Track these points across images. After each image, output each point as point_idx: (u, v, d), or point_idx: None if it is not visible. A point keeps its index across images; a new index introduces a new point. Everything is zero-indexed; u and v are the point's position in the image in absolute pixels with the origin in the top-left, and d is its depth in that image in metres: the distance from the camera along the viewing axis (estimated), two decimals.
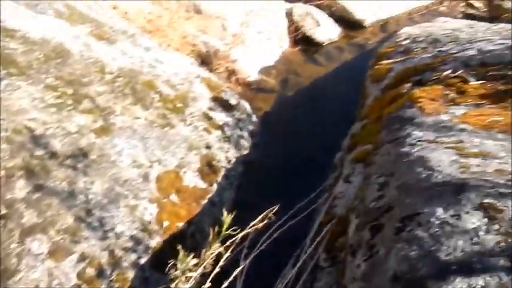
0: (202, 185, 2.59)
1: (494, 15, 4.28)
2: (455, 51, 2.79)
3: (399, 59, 3.15)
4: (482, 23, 3.71)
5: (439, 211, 1.22)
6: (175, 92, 2.91)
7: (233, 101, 3.29)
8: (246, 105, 3.41)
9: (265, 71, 3.88)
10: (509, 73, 2.28)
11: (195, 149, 2.69)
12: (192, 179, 2.56)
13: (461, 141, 1.73)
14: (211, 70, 3.56)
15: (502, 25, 3.57)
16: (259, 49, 3.94)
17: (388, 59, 3.31)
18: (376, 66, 3.26)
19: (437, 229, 1.18)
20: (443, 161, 1.50)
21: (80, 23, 2.82)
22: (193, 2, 3.87)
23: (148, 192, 2.29)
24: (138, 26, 3.43)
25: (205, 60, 3.62)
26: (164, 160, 2.48)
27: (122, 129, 2.42)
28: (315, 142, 3.22)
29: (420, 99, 2.31)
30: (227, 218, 1.56)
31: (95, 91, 2.47)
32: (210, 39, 3.74)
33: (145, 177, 2.33)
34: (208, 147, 2.79)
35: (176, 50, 3.46)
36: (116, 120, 2.43)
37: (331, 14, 4.30)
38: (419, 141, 1.82)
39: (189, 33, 3.71)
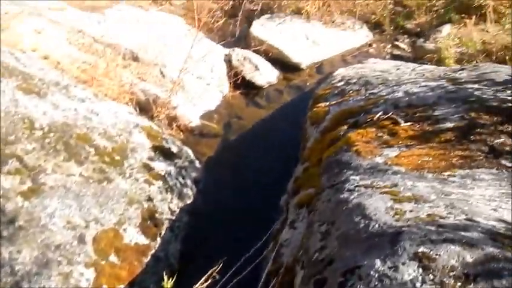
0: (144, 240, 2.47)
1: (417, 55, 4.64)
2: (385, 94, 2.96)
3: (335, 101, 3.28)
4: (408, 64, 3.99)
5: (378, 263, 1.24)
6: (113, 143, 2.81)
7: (175, 149, 3.23)
8: (189, 152, 3.36)
9: (207, 116, 3.88)
10: (434, 114, 2.44)
11: (135, 203, 2.58)
12: (133, 236, 2.43)
13: (395, 185, 1.79)
14: (151, 118, 3.49)
15: (424, 66, 3.86)
16: (199, 94, 3.94)
17: (325, 101, 3.43)
18: (315, 109, 3.37)
19: (377, 282, 1.19)
20: (380, 208, 1.53)
21: (6, 77, 2.67)
22: (130, 50, 3.83)
23: (85, 256, 2.14)
24: (72, 77, 3.32)
25: (144, 108, 3.55)
26: (102, 218, 2.34)
27: (53, 189, 2.27)
28: (260, 185, 3.21)
29: (356, 143, 2.39)
30: (167, 283, 1.48)
31: (23, 149, 2.32)
32: (149, 87, 3.69)
33: (81, 239, 2.18)
34: (150, 199, 2.69)
35: (114, 99, 3.37)
36: (47, 180, 2.29)
37: (269, 59, 4.43)
38: (356, 186, 1.87)
39: (127, 81, 3.64)
